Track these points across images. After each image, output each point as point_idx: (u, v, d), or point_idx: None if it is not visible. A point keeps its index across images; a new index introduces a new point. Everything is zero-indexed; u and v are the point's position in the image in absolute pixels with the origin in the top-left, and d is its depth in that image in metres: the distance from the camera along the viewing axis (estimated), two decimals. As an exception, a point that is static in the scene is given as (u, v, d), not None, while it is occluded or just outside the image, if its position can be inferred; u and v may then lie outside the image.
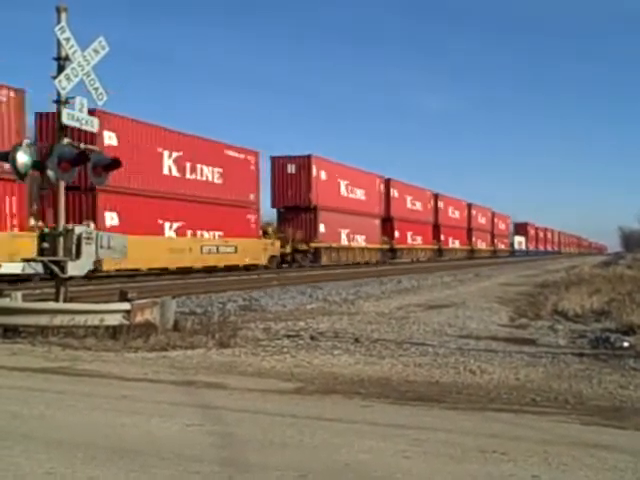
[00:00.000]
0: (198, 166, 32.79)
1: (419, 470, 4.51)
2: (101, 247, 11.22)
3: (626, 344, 10.17)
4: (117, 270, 26.22)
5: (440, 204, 70.03)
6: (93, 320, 10.27)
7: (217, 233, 34.35)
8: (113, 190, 26.58)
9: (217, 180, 34.31)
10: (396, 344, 10.23)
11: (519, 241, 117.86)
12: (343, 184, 47.32)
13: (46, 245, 11.20)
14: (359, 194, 49.96)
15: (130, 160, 26.18)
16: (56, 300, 11.14)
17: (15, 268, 12.29)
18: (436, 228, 68.32)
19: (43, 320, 10.32)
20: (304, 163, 43.16)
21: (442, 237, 70.39)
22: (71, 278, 11.27)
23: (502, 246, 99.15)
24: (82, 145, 11.48)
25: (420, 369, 8.34)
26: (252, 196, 37.42)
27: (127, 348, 9.62)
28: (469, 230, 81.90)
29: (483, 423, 5.87)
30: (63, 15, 11.07)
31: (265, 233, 39.79)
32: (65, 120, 11.17)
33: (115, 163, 11.94)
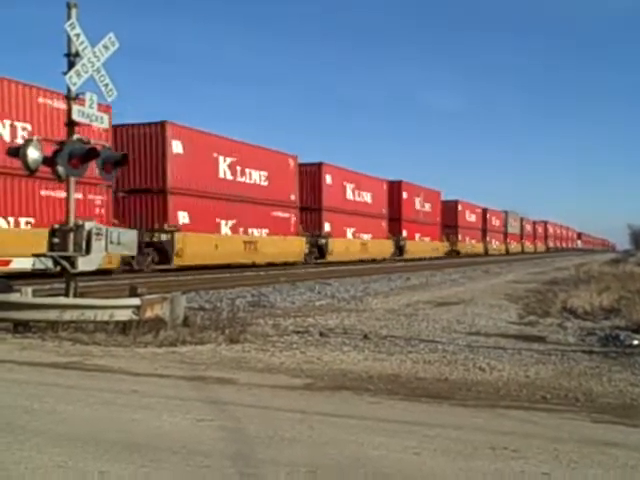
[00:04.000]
0: (247, 170, 35.99)
1: (429, 466, 4.51)
2: (111, 242, 11.27)
3: (636, 342, 10.13)
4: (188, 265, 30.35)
5: (459, 207, 74.39)
6: (103, 315, 10.30)
7: (264, 231, 37.23)
8: (181, 192, 30.47)
9: (263, 182, 37.37)
10: (405, 341, 10.23)
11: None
12: (349, 188, 48.83)
13: (56, 240, 11.24)
14: (366, 198, 51.29)
15: (193, 165, 31.00)
16: (66, 295, 11.19)
17: (25, 263, 12.33)
18: (454, 229, 71.97)
19: (53, 315, 10.36)
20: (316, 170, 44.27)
21: (460, 237, 73.33)
22: (81, 273, 11.31)
23: (515, 244, 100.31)
24: (92, 140, 11.52)
25: (429, 366, 8.33)
26: (292, 196, 40.33)
27: (137, 343, 9.66)
28: (484, 231, 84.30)
29: (493, 420, 5.86)
30: (73, 11, 11.10)
31: None
32: (75, 116, 11.20)
33: (124, 159, 11.96)
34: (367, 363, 8.49)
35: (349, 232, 47.95)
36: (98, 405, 6.16)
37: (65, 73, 11.09)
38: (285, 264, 37.43)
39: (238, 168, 35.08)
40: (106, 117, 11.92)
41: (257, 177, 36.93)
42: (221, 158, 33.87)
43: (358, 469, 4.45)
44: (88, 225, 11.23)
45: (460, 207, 75.11)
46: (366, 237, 50.27)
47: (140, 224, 28.78)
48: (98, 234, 11.11)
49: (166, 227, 29.80)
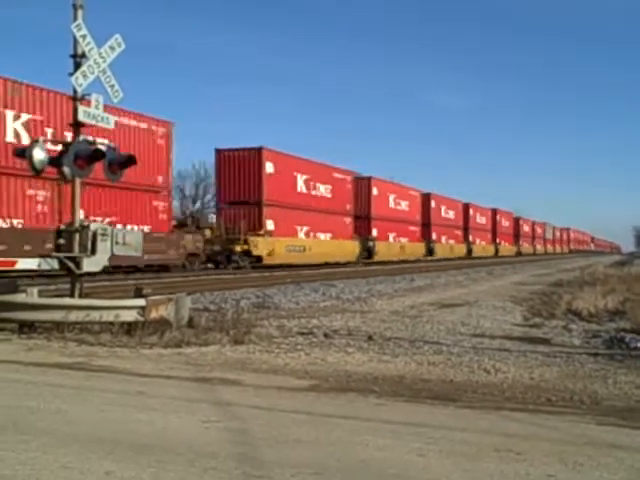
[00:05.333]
0: (317, 184, 43.54)
1: (434, 468, 4.51)
2: (116, 243, 11.30)
3: (641, 344, 10.11)
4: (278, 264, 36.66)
5: (471, 211, 78.23)
6: (108, 316, 10.33)
7: (328, 235, 44.78)
8: (271, 204, 37.43)
9: (328, 195, 45.01)
10: (409, 342, 10.23)
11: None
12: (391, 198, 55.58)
13: (62, 241, 11.28)
14: (404, 206, 59.09)
15: (280, 182, 38.19)
16: (71, 296, 11.22)
17: (31, 264, 12.38)
18: (465, 231, 75.62)
19: (58, 316, 10.39)
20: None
21: (471, 238, 76.88)
22: (87, 274, 11.34)
23: (526, 245, 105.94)
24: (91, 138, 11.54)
25: (434, 368, 8.33)
26: (348, 206, 48.04)
27: (142, 344, 9.68)
28: (494, 232, 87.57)
29: (498, 422, 5.86)
30: (79, 12, 11.15)
31: None
32: (81, 117, 11.24)
33: (130, 161, 11.99)
34: (372, 365, 8.49)
35: (391, 236, 55.12)
36: (104, 406, 6.17)
37: (71, 74, 11.13)
38: (337, 263, 43.75)
39: (311, 183, 42.54)
40: (112, 118, 11.93)
41: (324, 190, 44.81)
42: (299, 175, 41.11)
43: (363, 470, 4.46)
44: (93, 226, 11.27)
45: (498, 216, 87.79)
46: (404, 240, 57.85)
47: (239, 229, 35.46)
48: (103, 235, 11.14)
49: (261, 232, 36.35)
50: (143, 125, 28.52)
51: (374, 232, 51.43)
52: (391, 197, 55.82)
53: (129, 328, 10.31)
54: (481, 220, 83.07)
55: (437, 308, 15.83)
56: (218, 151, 38.47)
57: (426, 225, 63.52)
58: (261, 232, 36.41)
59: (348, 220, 47.99)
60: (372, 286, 23.04)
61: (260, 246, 36.13)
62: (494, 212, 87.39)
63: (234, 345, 9.72)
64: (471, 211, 78.57)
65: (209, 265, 35.01)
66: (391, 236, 55.15)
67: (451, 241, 70.78)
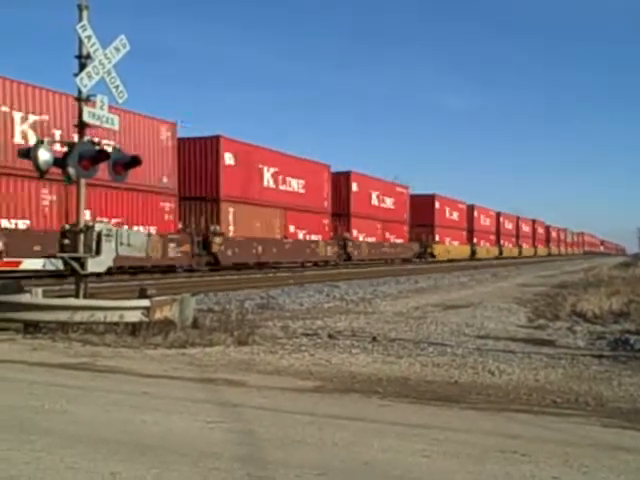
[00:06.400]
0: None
1: (438, 470, 4.51)
2: (121, 244, 11.31)
3: (646, 346, 10.08)
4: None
5: (475, 213, 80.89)
6: (113, 317, 10.34)
7: (399, 240, 55.83)
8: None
9: (391, 206, 54.14)
10: (414, 344, 10.22)
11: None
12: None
13: (67, 242, 11.30)
14: (455, 216, 69.91)
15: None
16: (76, 296, 11.24)
17: (36, 264, 12.40)
18: (470, 233, 78.71)
19: (63, 316, 10.40)
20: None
21: (475, 240, 79.93)
22: (91, 274, 11.36)
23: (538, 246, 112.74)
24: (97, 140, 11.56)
25: (438, 369, 8.32)
26: (405, 215, 57.37)
27: (146, 345, 9.69)
28: (498, 234, 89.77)
29: (503, 424, 5.85)
30: (84, 13, 11.16)
31: None
32: (86, 118, 11.26)
33: (135, 161, 12.00)
34: (376, 366, 8.48)
35: (447, 240, 66.26)
36: (108, 406, 6.18)
37: (76, 75, 11.15)
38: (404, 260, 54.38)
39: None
40: (117, 119, 11.94)
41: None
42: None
43: (367, 472, 4.45)
44: (98, 226, 11.28)
45: (511, 221, 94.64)
46: (455, 243, 69.33)
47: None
48: (108, 235, 11.16)
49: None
50: (317, 169, 30.72)
51: (437, 237, 62.53)
52: (447, 209, 66.03)
53: (133, 329, 10.32)
54: (508, 226, 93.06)
55: (441, 309, 15.82)
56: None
57: (470, 231, 74.29)
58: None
59: (406, 228, 56.01)
60: (376, 287, 23.04)
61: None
62: (518, 219, 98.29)
63: (238, 346, 9.73)
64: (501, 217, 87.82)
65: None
66: (447, 240, 65.45)
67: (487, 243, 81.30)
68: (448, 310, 15.65)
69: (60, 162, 11.15)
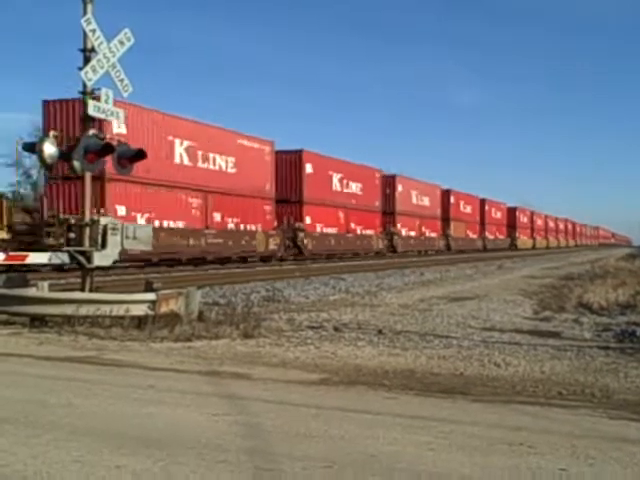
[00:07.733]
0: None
1: (444, 462, 4.50)
2: (127, 237, 11.33)
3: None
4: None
5: (486, 207, 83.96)
6: (118, 310, 10.36)
7: (430, 232, 60.75)
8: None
9: (427, 204, 61.25)
10: (419, 336, 10.21)
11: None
12: (413, 194, 60.88)
13: (73, 235, 11.31)
14: (468, 209, 74.54)
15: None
16: (82, 290, 11.26)
17: (42, 258, 12.42)
18: (481, 225, 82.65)
19: (69, 310, 10.43)
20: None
21: (486, 232, 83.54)
22: (97, 268, 11.38)
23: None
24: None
25: (444, 361, 8.31)
26: (438, 211, 64.55)
27: (152, 338, 9.70)
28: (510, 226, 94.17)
29: (509, 416, 5.84)
30: (89, 6, 11.15)
31: None
32: (91, 111, 11.25)
33: (140, 154, 12.00)
34: (382, 358, 8.48)
35: (462, 233, 71.49)
36: (114, 399, 6.19)
37: (81, 68, 11.14)
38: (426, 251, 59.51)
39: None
40: (122, 112, 11.93)
41: (426, 201, 60.74)
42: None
43: (373, 464, 4.45)
44: (104, 220, 11.29)
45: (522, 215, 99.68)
46: (472, 235, 75.16)
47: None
48: (114, 229, 11.17)
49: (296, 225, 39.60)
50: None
51: (452, 230, 67.31)
52: (461, 203, 70.27)
53: (139, 322, 10.34)
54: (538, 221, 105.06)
55: (447, 302, 15.80)
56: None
57: (482, 224, 78.63)
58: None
59: (437, 222, 63.42)
60: (382, 280, 23.02)
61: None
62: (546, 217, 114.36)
63: (244, 339, 9.73)
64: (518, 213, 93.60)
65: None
66: (463, 233, 71.38)
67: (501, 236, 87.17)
68: (454, 302, 15.64)
69: (66, 156, 11.16)
